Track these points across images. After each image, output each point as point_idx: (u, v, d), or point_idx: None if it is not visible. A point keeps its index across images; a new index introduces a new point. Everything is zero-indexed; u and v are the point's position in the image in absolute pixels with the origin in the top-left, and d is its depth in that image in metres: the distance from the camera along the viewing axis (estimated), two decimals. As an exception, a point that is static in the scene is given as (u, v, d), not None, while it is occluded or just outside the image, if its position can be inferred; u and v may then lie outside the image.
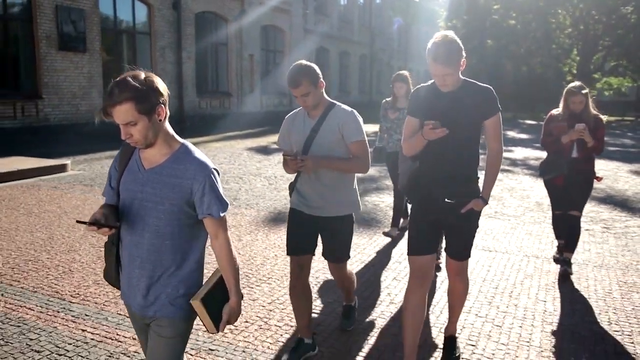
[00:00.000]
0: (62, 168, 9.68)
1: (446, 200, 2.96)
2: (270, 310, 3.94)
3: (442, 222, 3.05)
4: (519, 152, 14.62)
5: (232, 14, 20.49)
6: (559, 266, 4.90)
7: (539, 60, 35.41)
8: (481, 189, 3.01)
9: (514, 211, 7.40)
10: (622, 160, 13.45)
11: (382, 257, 5.30)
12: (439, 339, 3.57)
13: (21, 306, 3.91)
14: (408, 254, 3.07)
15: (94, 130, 14.77)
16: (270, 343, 3.46)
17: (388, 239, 5.90)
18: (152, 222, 1.96)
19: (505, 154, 13.78)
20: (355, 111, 3.14)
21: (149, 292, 2.00)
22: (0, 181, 8.50)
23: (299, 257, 3.19)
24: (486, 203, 2.99)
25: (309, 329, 3.28)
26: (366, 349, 3.45)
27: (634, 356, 3.37)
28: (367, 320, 3.86)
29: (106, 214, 1.96)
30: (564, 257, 4.85)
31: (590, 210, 7.42)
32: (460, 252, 3.11)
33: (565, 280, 4.68)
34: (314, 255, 3.25)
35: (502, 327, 3.75)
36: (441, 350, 3.37)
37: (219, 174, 2.04)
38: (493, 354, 3.36)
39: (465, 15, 34.40)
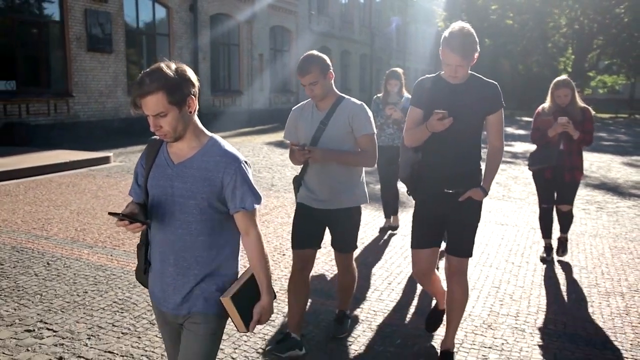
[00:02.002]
0: (106, 160, 10.61)
1: (445, 190, 2.99)
2: (333, 265, 4.90)
3: (444, 215, 3.06)
4: (519, 147, 15.65)
5: (244, 15, 21.41)
6: (554, 245, 5.30)
7: (535, 59, 36.47)
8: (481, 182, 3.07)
9: (519, 195, 8.39)
10: (615, 153, 14.53)
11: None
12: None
13: (131, 263, 4.87)
14: (411, 247, 3.16)
15: (119, 127, 15.80)
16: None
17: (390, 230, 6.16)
18: (184, 218, 1.92)
19: (507, 148, 14.90)
20: (364, 104, 3.14)
21: (185, 291, 1.95)
22: (57, 171, 9.42)
23: (303, 251, 3.22)
24: (486, 194, 3.01)
25: (299, 326, 3.27)
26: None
27: (621, 294, 4.36)
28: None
29: (136, 209, 1.93)
30: (559, 237, 5.17)
31: (587, 194, 8.43)
32: (460, 247, 3.06)
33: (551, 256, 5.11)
34: (319, 248, 3.29)
35: (518, 275, 4.73)
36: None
37: (249, 166, 2.00)
38: (513, 292, 4.34)
39: (463, 15, 35.38)
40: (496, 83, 3.00)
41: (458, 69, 2.84)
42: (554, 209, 5.14)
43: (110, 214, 1.83)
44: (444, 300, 3.34)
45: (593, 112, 4.82)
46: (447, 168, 2.98)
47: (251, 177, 1.98)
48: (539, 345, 3.46)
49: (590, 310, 4.05)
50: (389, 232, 6.14)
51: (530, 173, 5.18)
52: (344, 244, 3.28)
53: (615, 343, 3.52)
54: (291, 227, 3.33)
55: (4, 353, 3.22)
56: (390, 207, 6.17)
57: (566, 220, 5.13)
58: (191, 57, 18.72)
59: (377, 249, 5.51)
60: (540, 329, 3.71)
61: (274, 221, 6.37)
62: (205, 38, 19.38)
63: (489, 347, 3.43)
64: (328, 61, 3.03)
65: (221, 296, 1.92)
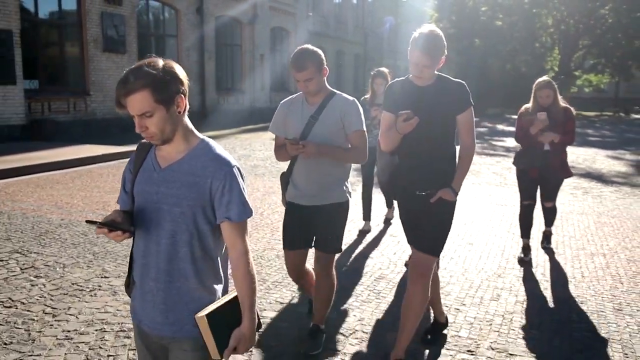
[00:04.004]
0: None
1: (417, 193, 3.01)
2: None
3: (419, 217, 3.06)
4: (510, 142, 16.65)
5: (247, 17, 22.29)
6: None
7: (523, 59, 37.65)
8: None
9: (514, 182, 9.32)
10: (600, 147, 15.69)
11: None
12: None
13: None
14: (408, 242, 3.19)
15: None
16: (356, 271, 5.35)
17: (377, 228, 6.24)
18: (168, 227, 1.76)
19: (499, 143, 16.14)
20: (356, 100, 3.10)
21: (167, 308, 1.79)
22: (91, 163, 10.27)
23: (294, 251, 3.23)
24: (456, 194, 3.01)
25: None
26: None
27: (603, 255, 5.34)
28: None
29: (121, 217, 1.77)
30: (544, 231, 5.44)
31: (574, 182, 9.44)
32: (428, 244, 3.00)
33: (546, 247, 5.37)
34: (310, 248, 3.28)
35: (519, 242, 5.66)
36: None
37: (242, 174, 1.83)
38: (516, 254, 5.30)
39: (454, 16, 36.44)
40: (464, 82, 3.01)
41: (424, 69, 2.86)
42: (535, 207, 5.26)
43: (87, 222, 1.67)
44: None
45: (574, 112, 4.94)
46: (420, 170, 2.99)
47: (243, 185, 1.81)
48: (540, 291, 4.42)
49: (578, 265, 5.02)
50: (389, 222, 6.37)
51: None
52: (328, 242, 3.15)
53: (597, 286, 4.49)
54: (282, 227, 3.31)
55: (123, 294, 4.12)
56: (369, 209, 6.18)
57: (551, 215, 5.39)
58: (198, 58, 19.56)
59: (377, 237, 6.43)
60: (539, 277, 4.67)
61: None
62: (211, 39, 20.22)
63: (501, 289, 4.39)
64: (323, 56, 2.96)
65: (196, 314, 1.74)
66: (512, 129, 21.89)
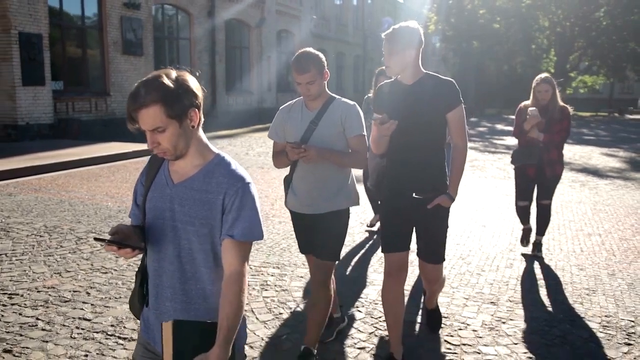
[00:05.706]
0: (159, 150, 12.20)
1: (414, 195, 2.95)
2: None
3: (412, 218, 3.03)
4: (510, 140, 17.50)
5: (254, 21, 23.09)
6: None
7: (519, 61, 38.57)
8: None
9: (517, 176, 10.22)
10: (596, 145, 16.61)
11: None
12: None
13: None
14: (382, 252, 3.09)
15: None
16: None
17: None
18: (183, 246, 1.71)
19: (500, 142, 17.08)
20: (356, 104, 3.07)
21: None
22: (123, 158, 11.04)
23: (308, 255, 3.29)
24: (453, 200, 2.97)
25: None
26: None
27: (599, 234, 6.14)
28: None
29: (130, 232, 1.71)
30: (535, 240, 5.33)
31: (571, 176, 10.27)
32: (432, 253, 3.06)
33: (537, 256, 5.24)
34: None
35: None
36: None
37: (255, 193, 1.73)
38: (519, 237, 6.09)
39: (452, 18, 37.28)
40: (453, 80, 2.95)
41: (394, 61, 2.88)
42: (530, 206, 5.38)
43: (96, 239, 1.66)
44: (398, 346, 3.18)
45: (572, 111, 5.01)
46: (409, 170, 2.97)
47: (256, 203, 1.71)
48: (546, 261, 5.22)
49: (577, 243, 5.83)
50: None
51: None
52: (326, 250, 3.08)
53: (594, 258, 5.30)
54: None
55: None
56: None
57: (544, 217, 5.25)
58: (209, 60, 20.34)
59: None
60: (544, 252, 5.46)
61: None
62: (221, 42, 21.02)
63: (513, 259, 5.20)
64: (324, 59, 2.95)
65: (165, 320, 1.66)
66: (511, 128, 22.74)
